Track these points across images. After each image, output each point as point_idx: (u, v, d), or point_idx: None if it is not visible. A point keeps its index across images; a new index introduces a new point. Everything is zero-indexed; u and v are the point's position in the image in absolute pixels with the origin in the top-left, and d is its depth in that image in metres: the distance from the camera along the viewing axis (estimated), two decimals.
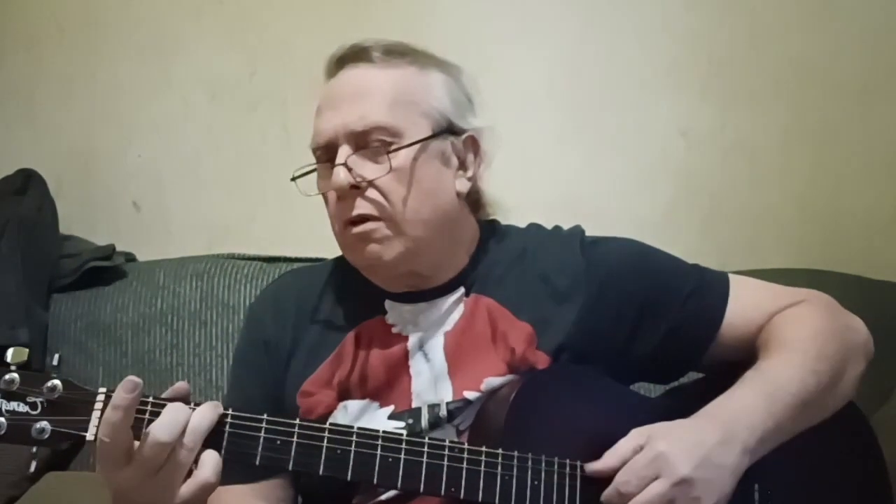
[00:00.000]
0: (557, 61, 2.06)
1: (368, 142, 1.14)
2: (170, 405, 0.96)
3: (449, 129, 1.18)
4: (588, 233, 1.27)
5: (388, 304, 1.22)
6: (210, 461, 0.96)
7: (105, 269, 2.02)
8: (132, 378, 0.95)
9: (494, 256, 1.24)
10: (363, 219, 1.14)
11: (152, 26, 2.22)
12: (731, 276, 1.25)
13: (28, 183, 2.11)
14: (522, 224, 1.30)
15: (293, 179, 1.19)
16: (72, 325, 1.97)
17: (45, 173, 2.14)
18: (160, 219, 2.24)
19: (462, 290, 1.21)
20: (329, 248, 1.34)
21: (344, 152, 1.14)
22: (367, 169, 1.14)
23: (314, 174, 1.20)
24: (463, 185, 1.21)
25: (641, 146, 2.05)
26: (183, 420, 0.95)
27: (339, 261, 1.30)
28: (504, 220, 1.30)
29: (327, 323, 1.23)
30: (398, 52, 1.19)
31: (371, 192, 1.14)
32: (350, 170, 1.13)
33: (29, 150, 2.24)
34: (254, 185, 2.18)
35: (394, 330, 1.20)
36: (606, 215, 1.95)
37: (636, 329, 1.20)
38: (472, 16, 2.08)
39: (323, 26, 2.14)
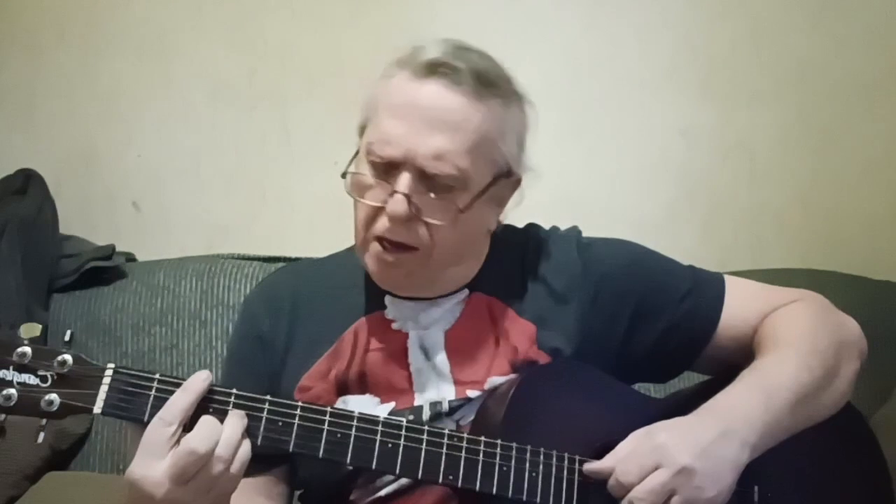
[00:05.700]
0: (557, 61, 2.06)
1: (436, 182, 1.10)
2: (204, 418, 0.98)
3: (506, 174, 1.16)
4: (588, 233, 1.27)
5: (388, 299, 1.21)
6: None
7: (105, 269, 2.01)
8: (206, 371, 1.01)
9: (496, 256, 1.24)
10: (401, 246, 1.12)
11: (152, 26, 2.21)
12: (725, 276, 1.25)
13: (28, 183, 2.11)
14: (521, 224, 1.29)
15: (343, 176, 1.13)
16: (72, 325, 1.96)
17: (45, 173, 2.13)
18: (160, 219, 2.24)
19: (466, 291, 1.21)
20: (328, 249, 1.33)
21: (405, 181, 1.08)
22: (426, 206, 1.09)
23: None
24: (495, 223, 1.21)
25: (641, 146, 2.05)
26: (218, 433, 0.97)
27: (338, 257, 1.29)
28: (503, 220, 1.30)
29: (325, 318, 1.22)
30: (489, 83, 1.12)
31: (418, 224, 1.11)
32: (409, 200, 1.08)
33: (29, 150, 2.24)
34: (254, 185, 2.18)
35: (394, 326, 1.20)
36: (606, 215, 1.95)
37: (632, 330, 1.20)
38: (471, 16, 2.08)
39: (323, 26, 2.14)
